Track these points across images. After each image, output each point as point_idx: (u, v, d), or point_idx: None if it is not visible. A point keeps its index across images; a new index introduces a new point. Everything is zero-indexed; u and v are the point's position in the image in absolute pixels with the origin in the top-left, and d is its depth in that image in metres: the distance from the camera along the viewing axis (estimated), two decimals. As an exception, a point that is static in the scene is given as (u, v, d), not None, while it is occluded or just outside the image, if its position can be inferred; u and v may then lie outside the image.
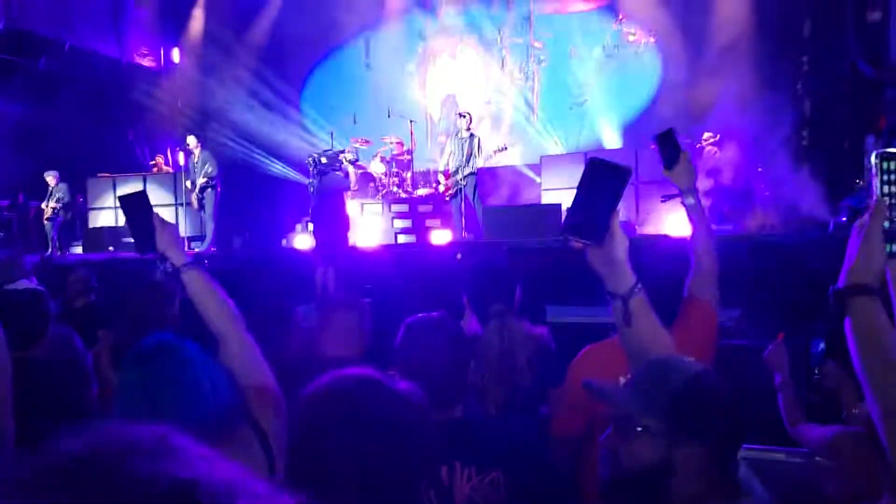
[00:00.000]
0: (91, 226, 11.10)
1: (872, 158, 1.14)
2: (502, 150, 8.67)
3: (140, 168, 12.00)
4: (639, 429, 1.18)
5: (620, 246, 1.28)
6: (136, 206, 1.59)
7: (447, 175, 8.37)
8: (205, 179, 9.44)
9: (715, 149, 8.80)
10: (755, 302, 4.41)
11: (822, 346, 1.95)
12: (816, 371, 1.96)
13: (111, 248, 9.46)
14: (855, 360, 1.16)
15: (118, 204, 1.63)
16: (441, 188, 8.58)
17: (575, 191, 1.28)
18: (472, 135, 8.44)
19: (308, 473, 1.06)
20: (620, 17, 11.10)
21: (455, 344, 1.70)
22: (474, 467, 1.56)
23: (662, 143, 1.99)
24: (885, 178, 1.15)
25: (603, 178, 1.26)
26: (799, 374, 2.20)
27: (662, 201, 6.87)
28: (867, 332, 1.16)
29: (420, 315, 1.75)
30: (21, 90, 11.61)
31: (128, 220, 1.61)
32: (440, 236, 8.31)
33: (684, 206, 1.95)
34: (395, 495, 1.08)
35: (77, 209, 11.56)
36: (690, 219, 1.96)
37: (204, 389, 1.67)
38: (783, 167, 8.65)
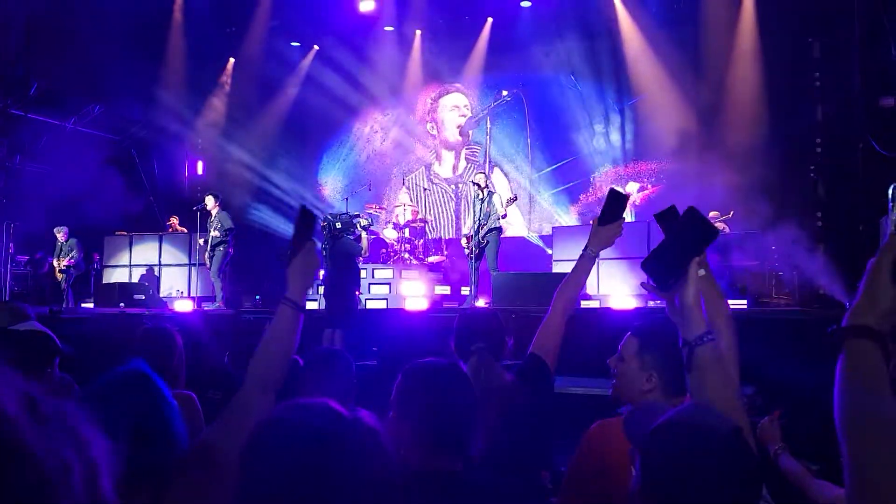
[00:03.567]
0: (105, 282, 11.16)
1: (890, 191, 1.10)
2: (513, 200, 8.80)
3: (156, 227, 12.16)
4: None
5: (692, 295, 1.28)
6: (305, 224, 1.65)
7: (469, 238, 8.46)
8: (217, 234, 9.50)
9: (724, 226, 8.78)
10: (769, 379, 4.26)
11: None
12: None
13: (122, 305, 9.46)
14: (836, 407, 0.99)
15: (299, 213, 1.67)
16: (466, 251, 8.66)
17: (664, 233, 1.35)
18: (489, 193, 8.53)
19: None
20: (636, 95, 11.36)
21: (458, 386, 1.58)
22: None
23: (614, 201, 2.03)
24: None
25: (692, 229, 1.30)
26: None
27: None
28: (856, 378, 0.99)
29: (419, 360, 1.64)
30: (49, 151, 11.98)
31: (294, 232, 1.64)
32: (448, 302, 8.26)
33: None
34: None
35: (92, 265, 11.67)
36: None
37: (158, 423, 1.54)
38: (798, 247, 8.57)
